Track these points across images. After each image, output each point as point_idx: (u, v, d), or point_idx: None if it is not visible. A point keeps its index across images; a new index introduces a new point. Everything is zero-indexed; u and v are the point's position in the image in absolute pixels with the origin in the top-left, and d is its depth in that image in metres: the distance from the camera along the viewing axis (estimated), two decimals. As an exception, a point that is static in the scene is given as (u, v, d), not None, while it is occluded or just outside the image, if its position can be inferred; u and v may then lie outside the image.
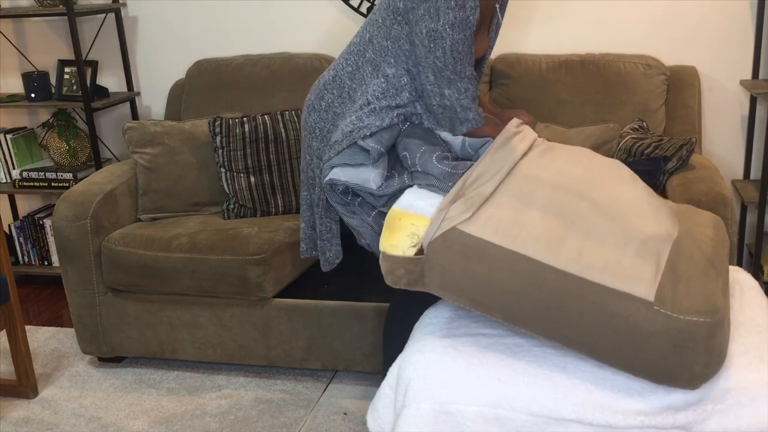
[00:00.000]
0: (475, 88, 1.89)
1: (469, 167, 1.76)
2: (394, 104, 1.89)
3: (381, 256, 1.65)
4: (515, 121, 1.91)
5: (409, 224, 1.63)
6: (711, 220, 1.78)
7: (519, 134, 1.85)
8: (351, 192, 1.92)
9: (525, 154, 1.79)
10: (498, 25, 2.08)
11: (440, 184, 1.74)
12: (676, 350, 1.35)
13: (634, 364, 1.40)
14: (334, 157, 1.88)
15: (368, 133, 1.87)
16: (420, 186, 1.76)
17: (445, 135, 1.90)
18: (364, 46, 1.94)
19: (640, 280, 1.41)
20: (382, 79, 1.91)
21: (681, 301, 1.37)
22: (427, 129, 1.90)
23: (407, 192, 1.74)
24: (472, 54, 1.86)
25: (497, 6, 2.03)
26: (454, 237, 1.51)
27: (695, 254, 1.53)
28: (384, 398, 1.67)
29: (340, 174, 1.86)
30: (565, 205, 1.59)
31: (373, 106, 1.89)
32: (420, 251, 1.58)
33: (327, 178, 1.88)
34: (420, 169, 1.77)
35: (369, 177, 1.84)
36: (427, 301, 1.93)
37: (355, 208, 1.92)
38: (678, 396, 1.44)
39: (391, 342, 2.09)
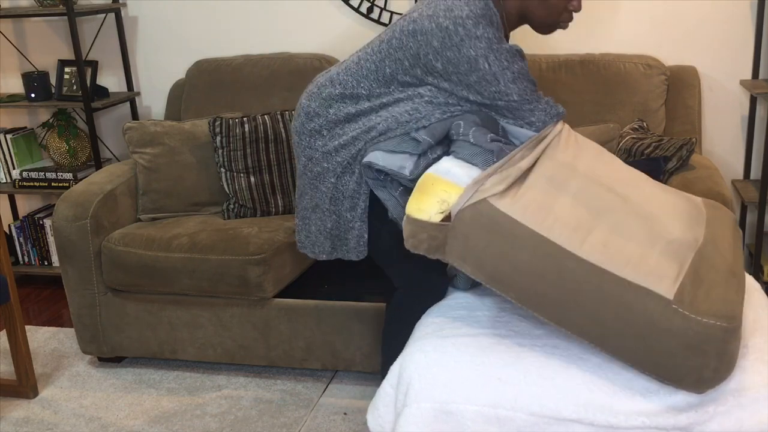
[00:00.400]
0: (547, 97, 1.91)
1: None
2: (452, 101, 1.88)
3: (405, 218, 1.63)
4: None
5: (441, 190, 1.61)
6: (730, 221, 1.77)
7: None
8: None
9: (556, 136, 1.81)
10: None
11: (486, 157, 1.73)
12: (689, 351, 1.35)
13: (644, 361, 1.40)
14: (383, 142, 1.88)
15: (426, 124, 1.86)
16: (457, 156, 1.74)
17: (514, 128, 1.89)
18: (386, 78, 1.91)
19: (661, 278, 1.41)
20: (429, 86, 1.90)
21: (700, 303, 1.37)
22: (491, 118, 1.88)
23: (445, 159, 1.72)
24: (536, 90, 1.89)
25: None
26: (483, 209, 1.50)
27: (718, 262, 1.52)
28: (385, 397, 1.67)
29: (379, 158, 1.86)
30: (597, 197, 1.59)
31: (427, 98, 1.88)
32: (446, 219, 1.57)
33: (366, 159, 1.88)
34: (472, 140, 1.76)
35: (405, 165, 1.83)
36: (426, 301, 1.93)
37: (386, 183, 1.92)
38: (680, 397, 1.43)
39: (390, 342, 2.09)
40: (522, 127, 1.87)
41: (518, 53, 1.84)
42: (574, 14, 1.94)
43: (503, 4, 1.91)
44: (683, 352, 1.35)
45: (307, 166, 2.04)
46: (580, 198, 1.57)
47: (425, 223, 1.58)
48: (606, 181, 1.68)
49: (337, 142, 1.98)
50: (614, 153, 2.63)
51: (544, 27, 1.95)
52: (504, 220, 1.48)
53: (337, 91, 1.97)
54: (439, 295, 1.95)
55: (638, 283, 1.40)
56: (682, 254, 1.50)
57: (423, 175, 1.69)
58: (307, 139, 2.02)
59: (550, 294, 1.45)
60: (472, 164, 1.71)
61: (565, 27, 1.95)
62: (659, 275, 1.42)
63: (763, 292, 1.79)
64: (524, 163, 1.62)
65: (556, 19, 1.91)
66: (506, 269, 1.48)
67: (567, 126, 1.91)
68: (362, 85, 1.93)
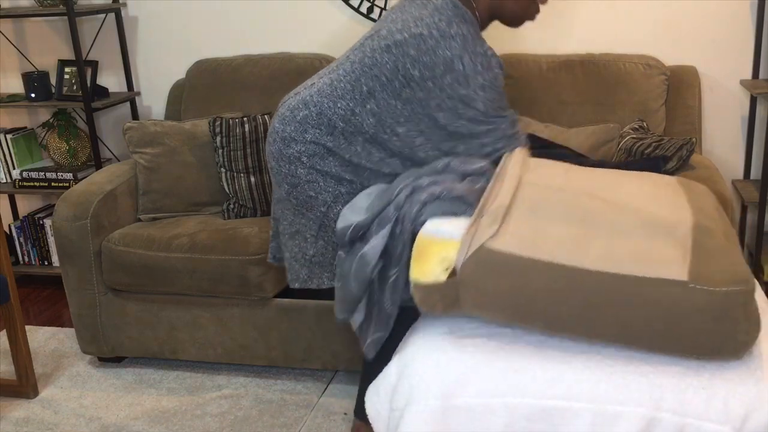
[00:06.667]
0: (507, 126, 1.91)
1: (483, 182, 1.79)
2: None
3: (413, 287, 1.64)
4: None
5: (438, 250, 1.63)
6: (705, 192, 1.86)
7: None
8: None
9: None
10: None
11: (465, 203, 1.75)
12: (718, 323, 1.40)
13: (680, 346, 1.44)
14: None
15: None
16: (436, 215, 1.76)
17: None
18: (363, 96, 1.89)
19: (671, 264, 1.45)
20: (395, 137, 1.91)
21: (714, 275, 1.42)
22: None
23: (429, 221, 1.74)
24: (504, 104, 1.91)
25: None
26: (483, 255, 1.52)
27: (714, 232, 1.58)
28: (387, 386, 1.66)
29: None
30: (583, 207, 1.63)
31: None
32: (452, 275, 1.58)
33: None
34: (442, 196, 1.78)
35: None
36: (409, 318, 1.88)
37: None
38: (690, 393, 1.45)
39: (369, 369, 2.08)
40: (470, 152, 1.89)
41: (497, 62, 1.85)
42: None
43: (475, 4, 1.94)
44: (713, 325, 1.40)
45: (291, 193, 1.99)
46: (568, 213, 1.60)
47: (433, 284, 1.59)
48: (586, 189, 1.71)
49: (321, 175, 1.97)
50: (614, 153, 2.63)
51: (515, 20, 2.01)
52: (506, 258, 1.50)
53: (313, 113, 1.94)
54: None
55: (651, 276, 1.43)
56: (681, 236, 1.54)
57: (416, 240, 1.70)
58: (287, 166, 1.98)
59: (573, 313, 1.47)
60: (455, 215, 1.73)
61: (533, 19, 2.02)
62: (668, 261, 1.46)
63: (762, 293, 1.79)
64: (503, 199, 1.63)
65: (525, 12, 1.99)
66: (524, 304, 1.51)
67: (525, 152, 1.93)
68: (339, 105, 1.91)
